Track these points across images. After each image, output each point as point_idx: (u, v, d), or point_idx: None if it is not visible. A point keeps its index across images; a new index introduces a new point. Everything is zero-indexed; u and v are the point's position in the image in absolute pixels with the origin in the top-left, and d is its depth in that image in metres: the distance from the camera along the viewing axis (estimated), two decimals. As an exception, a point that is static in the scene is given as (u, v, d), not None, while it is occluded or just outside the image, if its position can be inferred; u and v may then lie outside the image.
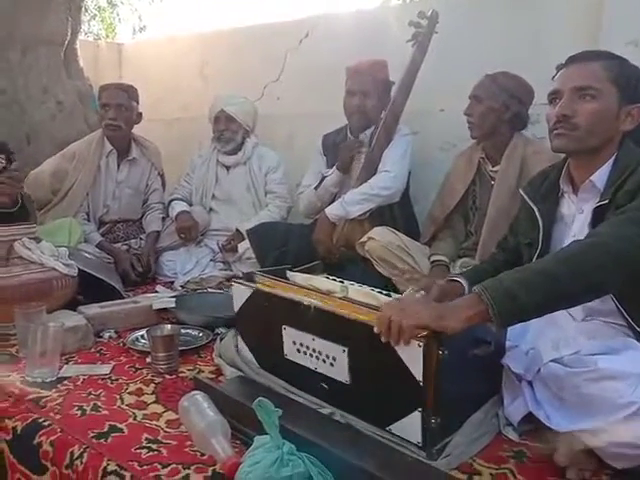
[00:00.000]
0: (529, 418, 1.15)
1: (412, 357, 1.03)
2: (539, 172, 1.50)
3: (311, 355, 1.26)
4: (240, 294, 1.44)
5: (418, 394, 1.05)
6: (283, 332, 1.31)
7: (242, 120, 2.70)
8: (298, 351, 1.28)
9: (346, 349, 1.17)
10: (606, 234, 1.11)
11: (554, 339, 1.15)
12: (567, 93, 1.26)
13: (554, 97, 1.30)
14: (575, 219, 1.33)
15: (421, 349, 1.01)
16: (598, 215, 1.22)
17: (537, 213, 1.38)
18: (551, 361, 1.09)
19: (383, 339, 1.05)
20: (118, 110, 2.54)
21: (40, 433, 1.17)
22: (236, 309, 1.46)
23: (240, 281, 1.46)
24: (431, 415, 1.06)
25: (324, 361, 1.22)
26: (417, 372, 1.03)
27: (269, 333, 1.35)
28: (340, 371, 1.19)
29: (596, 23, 2.15)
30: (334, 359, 1.20)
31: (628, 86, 1.24)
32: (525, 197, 1.45)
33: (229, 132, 2.70)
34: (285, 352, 1.32)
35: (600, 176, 1.27)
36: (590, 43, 2.06)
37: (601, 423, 0.98)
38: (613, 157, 1.27)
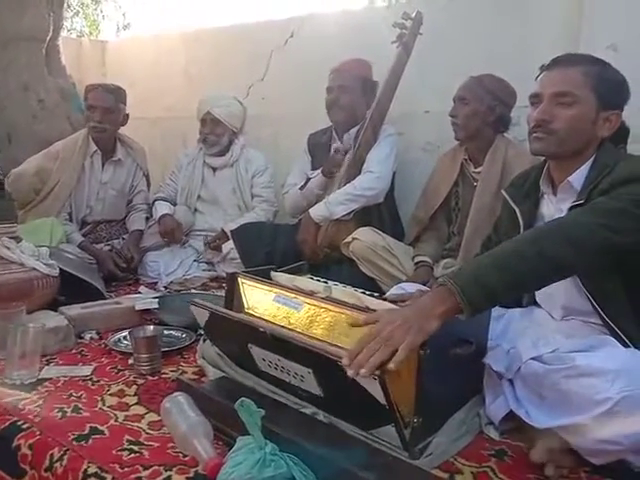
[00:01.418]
0: (510, 417, 1.16)
1: (372, 387, 1.00)
2: (520, 173, 1.52)
3: (281, 371, 1.22)
4: (200, 314, 1.37)
5: (387, 413, 1.02)
6: (250, 350, 1.26)
7: (228, 122, 2.67)
8: (269, 366, 1.24)
9: (311, 370, 1.13)
10: (566, 221, 1.14)
11: (534, 338, 1.17)
12: (547, 98, 1.27)
13: (535, 100, 1.31)
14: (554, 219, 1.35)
15: (377, 381, 0.97)
16: None
17: (518, 213, 1.40)
18: (531, 359, 1.10)
19: (349, 374, 0.98)
20: (104, 113, 2.51)
21: (19, 436, 1.15)
22: (201, 325, 1.41)
23: (197, 303, 1.37)
24: (405, 427, 1.05)
25: (294, 377, 1.19)
26: (380, 398, 1.00)
27: (238, 348, 1.30)
28: (311, 386, 1.16)
29: (577, 27, 2.18)
30: (302, 377, 1.16)
31: (607, 92, 1.24)
32: (507, 198, 1.47)
33: (213, 136, 2.67)
34: (258, 365, 1.28)
35: (578, 177, 1.28)
36: (572, 46, 2.08)
37: (579, 419, 1.00)
38: (592, 159, 1.28)
